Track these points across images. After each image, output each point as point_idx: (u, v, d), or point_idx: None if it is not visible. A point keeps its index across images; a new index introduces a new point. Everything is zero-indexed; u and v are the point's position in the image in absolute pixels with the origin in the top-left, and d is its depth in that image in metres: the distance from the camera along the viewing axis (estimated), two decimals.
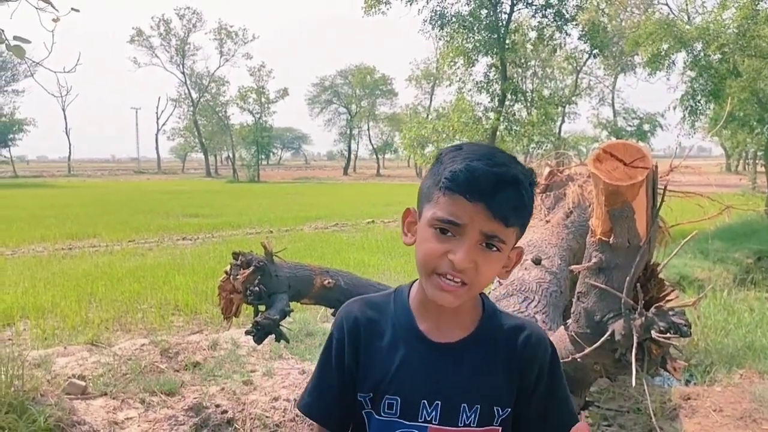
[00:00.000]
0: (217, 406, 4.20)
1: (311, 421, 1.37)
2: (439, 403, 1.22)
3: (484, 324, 1.28)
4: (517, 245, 1.24)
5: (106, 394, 4.34)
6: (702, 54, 16.59)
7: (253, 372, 4.96)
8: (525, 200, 1.17)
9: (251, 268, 3.08)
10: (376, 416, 1.26)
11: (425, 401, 1.23)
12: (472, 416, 1.23)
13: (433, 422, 1.23)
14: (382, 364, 1.26)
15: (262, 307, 3.16)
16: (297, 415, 4.18)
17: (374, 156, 75.70)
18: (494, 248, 1.16)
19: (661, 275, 2.12)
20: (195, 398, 4.29)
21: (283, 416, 4.15)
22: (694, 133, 18.90)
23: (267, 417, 4.13)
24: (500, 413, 1.25)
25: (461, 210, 1.13)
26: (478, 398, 1.24)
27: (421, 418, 1.23)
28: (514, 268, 1.26)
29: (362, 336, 1.29)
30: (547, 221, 4.56)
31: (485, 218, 1.13)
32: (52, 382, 4.39)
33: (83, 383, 4.39)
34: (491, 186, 1.13)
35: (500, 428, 1.26)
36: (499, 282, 3.85)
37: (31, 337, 6.07)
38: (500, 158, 1.18)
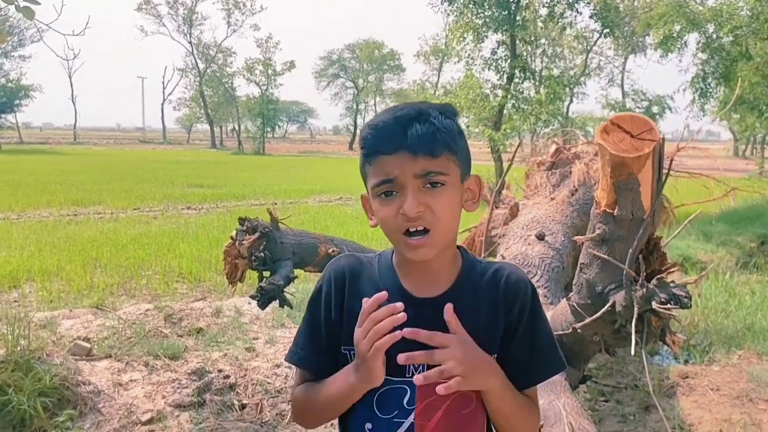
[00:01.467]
0: (220, 371, 4.26)
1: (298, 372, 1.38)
2: None
3: (464, 275, 1.28)
4: (471, 175, 1.25)
5: (110, 356, 4.39)
6: (714, 36, 16.43)
7: (255, 339, 5.01)
8: (438, 127, 1.17)
9: (257, 234, 3.11)
10: None
11: None
12: None
13: None
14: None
15: (266, 273, 3.20)
16: None
17: None
18: (438, 184, 1.17)
19: (663, 249, 2.14)
20: (198, 363, 4.34)
21: (285, 383, 4.20)
22: (704, 115, 18.78)
23: (269, 383, 4.18)
24: None
25: (387, 166, 1.16)
26: None
27: (408, 374, 1.22)
28: (480, 198, 1.28)
29: (347, 288, 1.30)
30: (552, 198, 4.58)
31: (410, 160, 1.14)
32: (58, 343, 4.44)
33: (88, 345, 4.44)
34: (399, 129, 1.15)
35: None
36: (502, 256, 3.88)
37: (37, 299, 6.14)
38: (401, 107, 1.20)
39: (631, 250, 1.97)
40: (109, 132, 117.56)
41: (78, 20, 4.51)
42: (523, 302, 1.27)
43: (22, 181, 18.13)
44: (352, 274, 1.31)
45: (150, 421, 3.65)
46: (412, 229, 1.17)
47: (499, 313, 1.27)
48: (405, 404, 1.24)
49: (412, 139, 1.14)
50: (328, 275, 1.33)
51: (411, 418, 1.23)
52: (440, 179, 1.17)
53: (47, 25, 3.95)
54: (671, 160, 2.02)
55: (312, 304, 1.35)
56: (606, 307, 2.04)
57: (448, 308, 1.18)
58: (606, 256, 2.02)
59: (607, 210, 2.01)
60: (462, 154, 1.21)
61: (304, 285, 6.34)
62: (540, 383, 1.35)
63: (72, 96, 68.22)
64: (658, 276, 2.00)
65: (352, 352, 1.25)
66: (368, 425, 1.26)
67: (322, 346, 1.32)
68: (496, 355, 1.26)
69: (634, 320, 1.91)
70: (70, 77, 67.86)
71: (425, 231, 1.17)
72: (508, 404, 1.25)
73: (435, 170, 1.16)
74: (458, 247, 1.32)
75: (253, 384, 4.14)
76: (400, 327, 1.21)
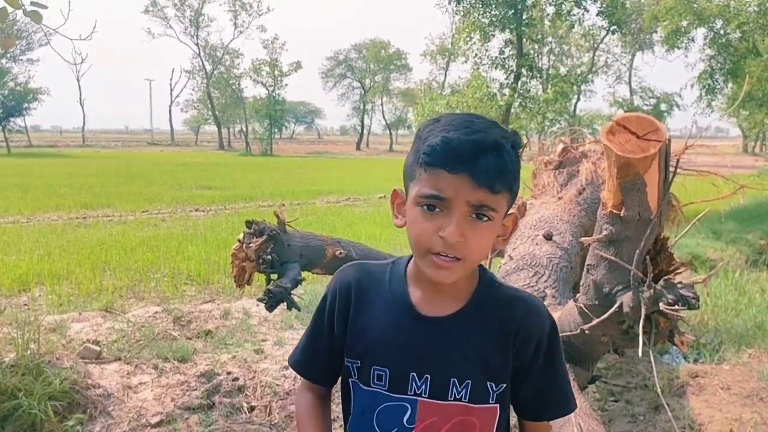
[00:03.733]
0: (229, 373, 4.27)
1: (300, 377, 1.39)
2: (429, 376, 1.20)
3: (478, 295, 1.24)
4: (510, 212, 1.20)
5: (120, 359, 4.42)
6: (722, 32, 16.35)
7: (264, 341, 5.02)
8: (508, 164, 1.12)
9: (264, 237, 3.11)
10: (364, 387, 1.25)
11: (414, 374, 1.21)
12: (463, 391, 1.20)
13: (423, 395, 1.21)
14: (372, 333, 1.25)
15: (274, 276, 3.20)
16: None
17: (387, 131, 75.52)
18: (485, 218, 1.13)
19: (671, 249, 2.13)
20: (207, 365, 4.36)
21: (293, 384, 4.21)
22: (711, 112, 18.70)
23: (277, 385, 4.19)
24: (494, 389, 1.22)
25: (444, 183, 1.10)
26: (470, 373, 1.21)
27: (410, 391, 1.21)
28: (511, 236, 1.24)
29: (353, 302, 1.28)
30: (560, 198, 4.56)
31: (470, 188, 1.09)
32: (68, 347, 4.47)
33: (98, 348, 4.47)
34: (470, 154, 1.09)
35: (498, 406, 1.23)
36: (510, 257, 3.87)
37: (47, 302, 6.17)
38: (478, 125, 1.13)
39: (638, 250, 1.96)
40: (117, 134, 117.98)
41: (85, 24, 4.53)
42: (539, 340, 1.24)
43: (32, 184, 18.23)
44: (359, 287, 1.29)
45: (159, 424, 3.66)
46: (444, 255, 1.13)
47: (508, 345, 1.23)
48: (405, 422, 1.22)
49: (481, 169, 1.09)
50: (334, 287, 1.32)
51: None
52: (489, 214, 1.13)
53: (54, 30, 3.97)
54: (677, 160, 2.01)
55: (317, 312, 1.35)
56: (613, 308, 2.03)
57: None
58: (613, 258, 2.02)
59: (614, 211, 2.01)
60: (515, 194, 1.18)
61: (312, 287, 6.36)
62: (549, 420, 1.33)
63: (80, 99, 68.57)
64: (666, 276, 1.99)
65: (356, 366, 1.26)
66: None
67: (320, 354, 1.33)
68: (504, 386, 1.24)
69: (641, 321, 1.91)
70: (78, 80, 68.21)
71: (456, 259, 1.13)
72: None
73: (489, 205, 1.12)
74: (479, 265, 1.28)
75: (262, 386, 4.15)
76: (402, 341, 1.22)
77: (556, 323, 1.28)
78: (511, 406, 1.30)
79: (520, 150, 1.19)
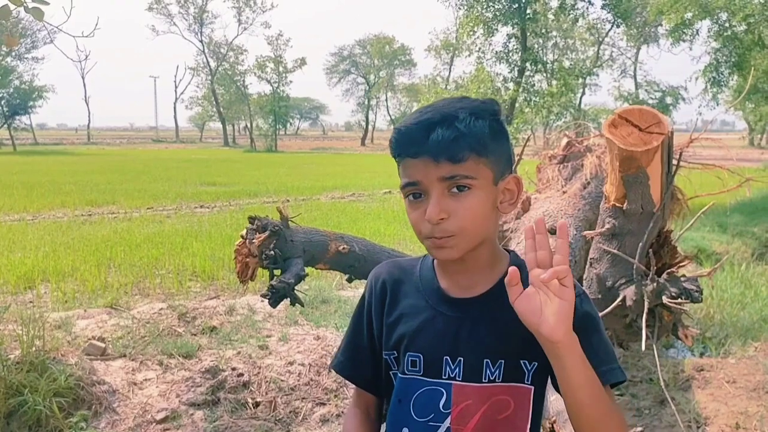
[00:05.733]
0: (234, 369, 4.27)
1: (350, 385, 1.39)
2: (462, 359, 1.21)
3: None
4: (510, 175, 1.20)
5: (125, 355, 4.43)
6: (727, 24, 16.26)
7: (268, 337, 5.03)
8: (463, 130, 1.13)
9: (267, 233, 3.11)
10: (401, 375, 1.26)
11: (448, 357, 1.21)
12: (497, 371, 1.19)
13: (457, 378, 1.21)
14: (406, 321, 1.26)
15: (277, 272, 3.20)
16: (311, 379, 4.25)
17: (392, 127, 74.70)
18: (465, 188, 1.14)
19: (675, 243, 2.12)
20: (212, 361, 4.36)
21: (298, 380, 4.22)
22: (716, 105, 18.61)
23: (282, 380, 4.20)
24: (528, 367, 1.20)
25: (412, 169, 1.15)
26: (502, 353, 1.20)
27: (444, 375, 1.21)
28: (518, 199, 1.22)
29: (388, 296, 1.30)
30: (564, 192, 4.54)
31: (433, 166, 1.12)
32: (73, 343, 4.48)
33: (103, 345, 4.48)
34: (421, 135, 1.13)
35: (533, 387, 1.21)
36: (514, 251, 3.85)
37: (52, 299, 6.19)
38: (431, 108, 1.18)
39: (641, 244, 1.95)
40: (122, 131, 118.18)
41: (88, 21, 4.53)
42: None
43: (37, 181, 18.27)
44: (392, 280, 1.32)
45: (164, 420, 3.67)
46: (437, 235, 1.15)
47: None
48: (441, 407, 1.22)
49: (433, 144, 1.12)
50: (370, 285, 1.35)
51: (447, 422, 1.21)
52: (466, 183, 1.14)
53: (57, 27, 3.96)
54: (680, 153, 1.99)
55: (356, 312, 1.38)
56: (616, 302, 2.02)
57: (513, 272, 1.11)
58: (616, 251, 2.01)
59: (617, 204, 2.00)
60: (495, 156, 1.17)
61: (316, 282, 6.36)
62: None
63: (85, 96, 68.62)
64: (669, 270, 1.98)
65: (392, 357, 1.28)
66: (405, 430, 1.25)
67: (362, 355, 1.35)
68: (536, 364, 1.20)
69: (644, 315, 1.90)
70: (83, 77, 68.27)
71: (450, 236, 1.15)
72: (586, 380, 1.11)
73: (460, 174, 1.13)
74: (508, 250, 1.29)
75: (267, 382, 4.16)
76: (435, 325, 1.23)
77: (587, 295, 1.25)
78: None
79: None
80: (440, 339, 1.22)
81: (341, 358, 1.38)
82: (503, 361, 1.19)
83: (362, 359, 1.34)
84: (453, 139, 1.12)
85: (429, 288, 1.27)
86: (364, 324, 1.33)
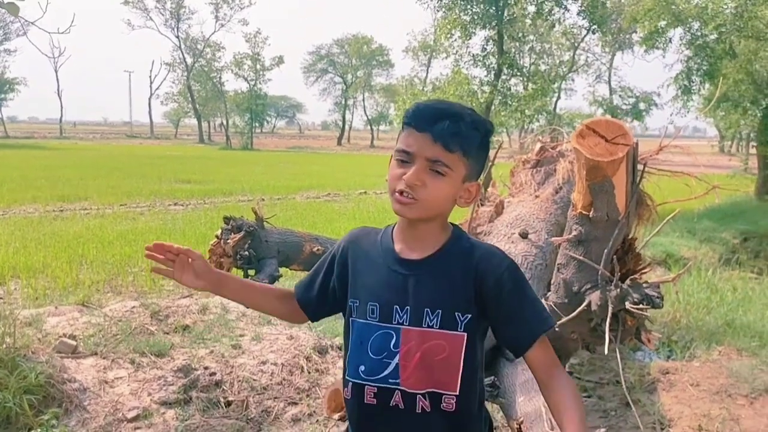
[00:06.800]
0: (206, 368, 4.27)
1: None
2: (408, 308, 1.47)
3: (448, 245, 1.50)
4: (475, 181, 1.48)
5: (96, 353, 4.40)
6: (699, 33, 16.54)
7: (241, 336, 5.03)
8: (463, 130, 1.40)
9: (242, 233, 3.13)
10: (360, 320, 1.52)
11: (397, 306, 1.47)
12: (435, 319, 1.45)
13: (405, 324, 1.47)
14: (368, 275, 1.54)
15: (251, 271, 3.23)
16: (284, 379, 4.27)
17: (369, 127, 75.28)
18: (440, 174, 1.40)
19: (639, 250, 2.18)
20: (184, 360, 4.36)
21: (271, 379, 4.23)
22: (687, 112, 18.93)
23: (254, 380, 4.21)
24: (461, 318, 1.45)
25: (412, 140, 1.41)
26: (439, 304, 1.45)
27: (394, 321, 1.47)
28: (474, 201, 1.51)
29: (352, 254, 1.58)
30: (536, 196, 4.62)
31: (429, 144, 1.39)
32: (43, 341, 4.45)
33: (74, 342, 4.45)
34: (432, 117, 1.40)
35: (465, 334, 1.45)
36: None
37: (22, 296, 6.13)
38: (449, 102, 1.47)
39: (606, 250, 2.01)
40: (95, 126, 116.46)
41: (64, 15, 4.50)
42: (497, 277, 1.46)
43: (7, 176, 17.98)
44: (357, 239, 1.61)
45: (136, 419, 3.67)
46: (405, 193, 1.40)
47: (469, 284, 1.47)
48: (392, 347, 1.48)
49: (438, 130, 1.38)
50: (343, 241, 1.64)
51: (396, 359, 1.47)
52: (443, 170, 1.40)
53: (32, 23, 3.94)
54: (644, 164, 2.06)
55: (327, 256, 1.67)
56: (582, 306, 2.08)
57: None
58: (582, 257, 2.07)
59: (583, 212, 2.06)
60: (473, 161, 1.45)
61: (290, 282, 6.36)
62: (537, 339, 1.48)
63: (58, 90, 67.65)
64: (633, 276, 2.04)
65: (355, 305, 1.54)
66: (362, 367, 1.51)
67: (313, 289, 1.65)
68: (469, 316, 1.45)
69: (608, 319, 1.96)
70: (56, 72, 67.31)
71: (413, 199, 1.40)
72: None
73: (443, 161, 1.39)
74: (455, 225, 1.55)
75: (239, 381, 4.17)
76: (388, 280, 1.50)
77: (515, 264, 1.52)
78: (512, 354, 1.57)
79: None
80: (391, 291, 1.49)
81: (300, 286, 1.69)
82: (440, 311, 1.46)
83: (311, 293, 1.65)
84: (453, 133, 1.39)
85: (386, 250, 1.53)
86: (326, 266, 1.64)
